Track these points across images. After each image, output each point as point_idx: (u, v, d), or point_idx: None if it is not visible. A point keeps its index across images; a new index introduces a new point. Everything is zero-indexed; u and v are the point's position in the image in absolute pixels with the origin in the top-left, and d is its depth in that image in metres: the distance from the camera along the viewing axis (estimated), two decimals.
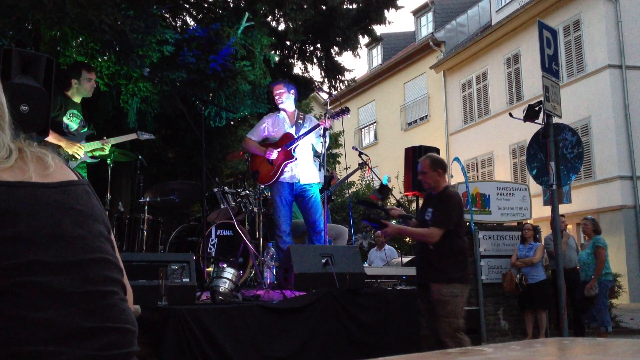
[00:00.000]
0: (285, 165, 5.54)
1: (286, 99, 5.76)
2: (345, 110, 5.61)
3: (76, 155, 5.02)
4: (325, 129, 5.53)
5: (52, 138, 4.70)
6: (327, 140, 5.67)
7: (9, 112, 1.19)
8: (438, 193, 4.39)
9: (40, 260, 1.04)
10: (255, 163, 5.70)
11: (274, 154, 5.54)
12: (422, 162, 4.50)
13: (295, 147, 5.59)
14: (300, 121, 5.77)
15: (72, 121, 5.16)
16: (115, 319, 1.10)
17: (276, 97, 5.77)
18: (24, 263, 1.02)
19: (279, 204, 5.55)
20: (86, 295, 1.07)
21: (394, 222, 4.99)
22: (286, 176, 5.55)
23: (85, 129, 5.29)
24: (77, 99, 5.27)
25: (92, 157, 5.23)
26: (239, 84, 7.04)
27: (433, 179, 4.40)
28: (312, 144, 5.80)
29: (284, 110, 5.78)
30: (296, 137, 5.61)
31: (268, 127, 5.76)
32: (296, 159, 5.57)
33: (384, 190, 5.04)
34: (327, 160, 6.51)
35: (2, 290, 1.00)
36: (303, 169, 5.63)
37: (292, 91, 5.82)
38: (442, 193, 4.38)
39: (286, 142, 5.60)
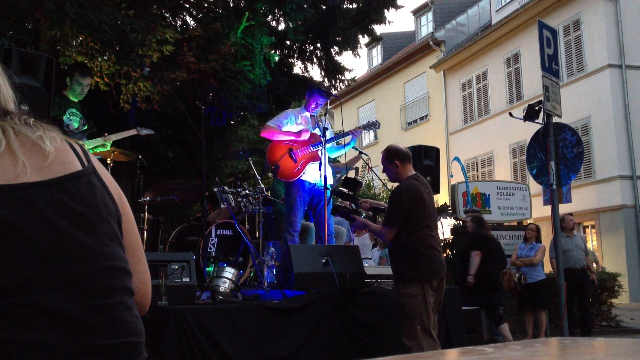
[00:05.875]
0: (309, 165, 5.42)
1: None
2: (377, 124, 5.68)
3: None
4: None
5: None
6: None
7: (8, 86, 1.07)
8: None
9: (37, 277, 0.95)
10: (275, 156, 5.49)
11: (301, 151, 5.43)
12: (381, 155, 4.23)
13: (322, 149, 5.50)
14: (320, 124, 5.65)
15: (72, 120, 5.17)
16: (118, 334, 1.03)
17: (314, 105, 5.60)
18: (19, 282, 0.94)
19: (298, 203, 5.38)
20: (86, 312, 0.99)
21: (363, 215, 4.85)
22: (309, 176, 5.41)
23: (86, 127, 5.29)
24: (74, 98, 5.27)
25: (94, 154, 5.24)
26: (239, 84, 7.04)
27: (392, 171, 4.14)
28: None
29: (310, 113, 5.65)
30: (323, 139, 5.49)
31: (291, 122, 5.57)
32: (321, 160, 5.48)
33: (351, 182, 4.88)
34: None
35: None
36: (325, 172, 5.51)
37: None
38: (395, 188, 4.07)
39: (313, 143, 5.48)
